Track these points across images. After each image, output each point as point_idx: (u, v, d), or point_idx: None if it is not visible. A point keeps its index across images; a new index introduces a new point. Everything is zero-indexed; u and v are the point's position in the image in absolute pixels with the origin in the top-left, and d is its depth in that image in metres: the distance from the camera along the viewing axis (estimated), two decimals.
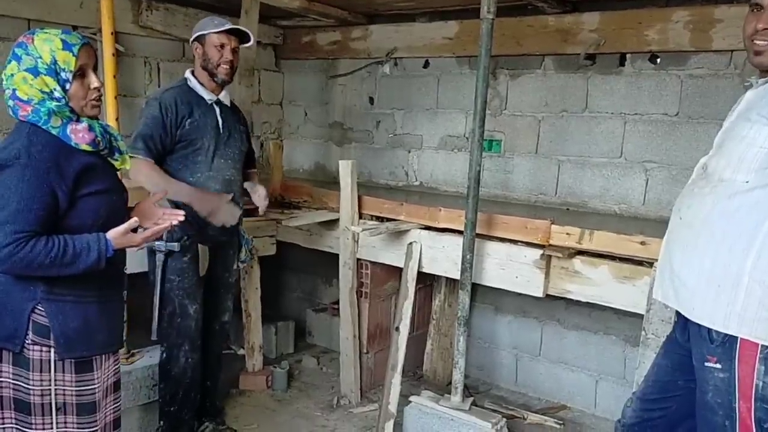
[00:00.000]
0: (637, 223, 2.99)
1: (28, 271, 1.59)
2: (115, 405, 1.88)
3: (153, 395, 2.84)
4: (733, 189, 1.63)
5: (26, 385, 1.67)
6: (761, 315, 1.58)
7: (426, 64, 3.87)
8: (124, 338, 2.17)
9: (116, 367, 1.87)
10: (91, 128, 1.69)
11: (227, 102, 2.74)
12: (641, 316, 2.47)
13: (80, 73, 1.66)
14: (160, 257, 2.58)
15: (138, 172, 2.47)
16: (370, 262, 3.39)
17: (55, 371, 1.68)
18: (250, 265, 3.40)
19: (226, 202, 2.63)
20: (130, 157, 2.41)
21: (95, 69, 1.72)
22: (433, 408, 2.86)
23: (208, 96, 2.66)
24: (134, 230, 1.75)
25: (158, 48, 3.57)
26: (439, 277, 3.62)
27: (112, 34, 2.95)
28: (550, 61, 3.41)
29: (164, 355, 2.71)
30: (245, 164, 2.87)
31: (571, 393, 3.51)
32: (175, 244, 2.56)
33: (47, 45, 1.62)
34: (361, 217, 3.33)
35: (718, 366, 1.65)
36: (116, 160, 1.81)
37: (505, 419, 2.84)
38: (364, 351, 3.51)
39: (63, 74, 1.63)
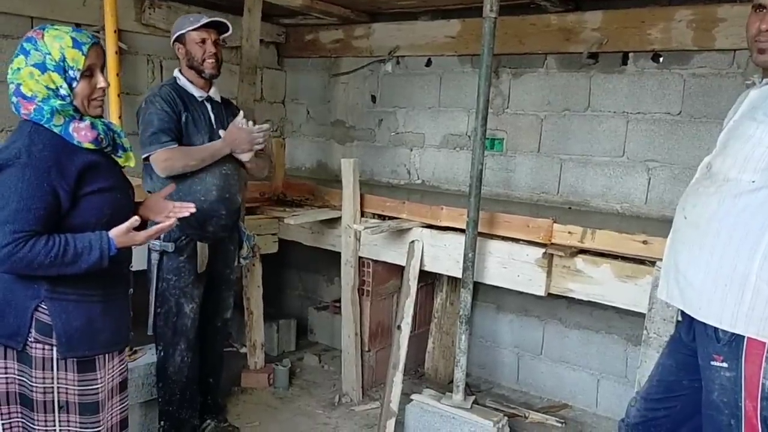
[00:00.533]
0: (639, 222, 2.99)
1: (28, 271, 1.58)
2: (122, 405, 1.87)
3: (155, 393, 2.85)
4: (739, 189, 1.63)
5: (30, 382, 1.68)
6: None
7: (428, 63, 3.87)
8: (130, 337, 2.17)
9: (122, 366, 1.85)
10: (93, 126, 1.68)
11: (217, 98, 2.75)
12: (643, 315, 2.47)
13: (88, 73, 1.65)
14: (155, 256, 2.59)
15: (173, 160, 2.48)
16: (372, 260, 3.39)
17: (57, 369, 1.67)
18: (252, 262, 3.41)
19: (239, 127, 2.63)
20: (160, 150, 2.40)
21: (103, 69, 1.71)
22: (435, 406, 2.87)
23: (198, 93, 2.66)
24: (139, 228, 1.73)
25: (161, 46, 3.57)
26: (440, 275, 3.62)
27: (115, 32, 2.95)
28: (553, 60, 3.41)
29: (161, 354, 2.71)
30: None
31: (573, 392, 3.51)
32: (169, 244, 2.56)
33: (57, 42, 1.61)
34: (363, 215, 3.34)
35: (725, 365, 1.66)
36: (120, 157, 1.81)
37: (506, 418, 2.84)
38: (366, 349, 3.51)
39: (71, 72, 1.62)
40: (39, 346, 1.66)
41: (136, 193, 1.90)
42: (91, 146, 1.67)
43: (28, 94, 1.61)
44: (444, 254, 3.05)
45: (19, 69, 1.61)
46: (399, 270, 3.33)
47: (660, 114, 3.10)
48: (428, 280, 3.71)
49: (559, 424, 3.26)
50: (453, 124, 3.81)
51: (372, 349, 3.55)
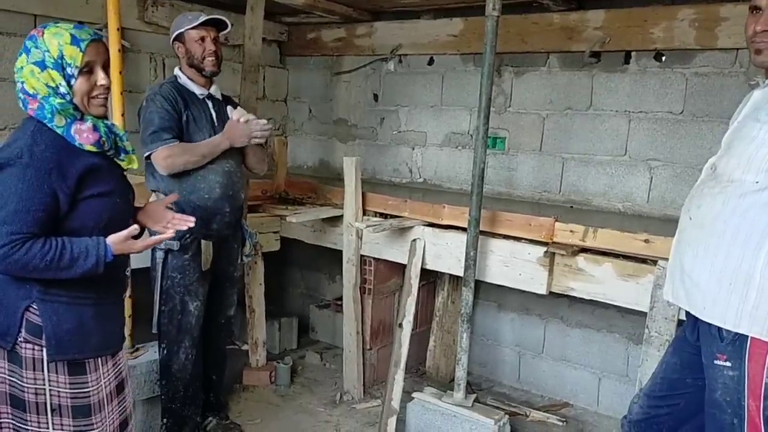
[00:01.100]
0: (641, 221, 2.99)
1: (23, 273, 1.57)
2: (121, 408, 1.83)
3: (157, 390, 2.85)
4: (743, 189, 1.63)
5: (21, 383, 1.65)
6: None
7: (430, 62, 3.87)
8: (126, 337, 2.15)
9: (117, 370, 1.80)
10: (95, 128, 1.66)
11: (218, 95, 2.75)
12: (644, 314, 2.48)
13: (87, 69, 1.62)
14: (159, 255, 2.59)
15: (174, 157, 2.49)
16: (374, 258, 3.40)
17: (48, 371, 1.65)
18: (254, 260, 3.41)
19: (237, 119, 2.64)
20: (161, 148, 2.39)
21: (106, 66, 1.67)
22: (436, 404, 2.87)
23: (199, 91, 2.66)
24: (137, 235, 1.71)
25: (163, 44, 3.55)
26: (442, 274, 3.62)
27: (117, 29, 2.95)
28: (555, 59, 3.41)
29: (164, 351, 2.71)
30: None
31: (574, 390, 3.52)
32: (174, 242, 2.56)
33: (56, 39, 1.59)
34: (364, 213, 3.34)
35: (728, 364, 1.66)
36: (122, 160, 1.78)
37: (507, 416, 2.84)
38: (367, 347, 3.52)
39: (69, 69, 1.60)
40: (29, 346, 1.63)
41: (136, 194, 1.88)
42: (92, 149, 1.65)
43: (31, 92, 1.60)
44: (446, 253, 3.05)
45: (21, 67, 1.61)
46: (400, 268, 3.34)
47: (662, 113, 3.10)
48: (430, 278, 3.71)
49: (560, 423, 3.26)
50: (455, 122, 3.81)
51: (373, 347, 3.56)
